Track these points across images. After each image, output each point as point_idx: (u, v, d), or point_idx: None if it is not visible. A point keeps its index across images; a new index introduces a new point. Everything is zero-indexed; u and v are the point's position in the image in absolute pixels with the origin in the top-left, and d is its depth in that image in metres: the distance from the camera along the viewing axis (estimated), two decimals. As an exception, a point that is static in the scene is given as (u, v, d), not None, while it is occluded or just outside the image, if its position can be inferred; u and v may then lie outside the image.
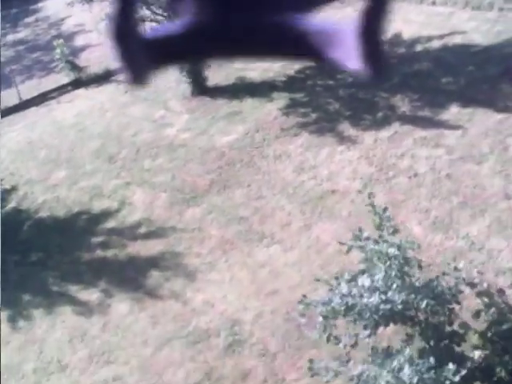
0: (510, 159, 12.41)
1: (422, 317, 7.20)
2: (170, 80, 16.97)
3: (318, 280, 7.58)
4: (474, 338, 6.92)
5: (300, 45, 1.14)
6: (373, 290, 6.94)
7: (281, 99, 15.68)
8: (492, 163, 12.42)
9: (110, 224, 13.67)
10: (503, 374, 6.84)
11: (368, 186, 12.77)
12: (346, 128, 14.28)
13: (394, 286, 6.81)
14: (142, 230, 13.35)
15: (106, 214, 13.94)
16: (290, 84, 16.15)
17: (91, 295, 12.30)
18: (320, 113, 14.95)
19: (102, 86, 18.52)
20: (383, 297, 6.88)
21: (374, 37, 1.08)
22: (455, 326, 7.24)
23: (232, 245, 12.43)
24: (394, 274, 6.88)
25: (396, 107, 14.47)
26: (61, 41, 18.76)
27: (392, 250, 6.90)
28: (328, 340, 7.12)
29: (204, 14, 1.11)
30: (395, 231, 7.14)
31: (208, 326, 11.14)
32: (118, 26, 1.09)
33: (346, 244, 7.29)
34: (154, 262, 12.58)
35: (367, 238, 7.18)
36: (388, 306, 6.82)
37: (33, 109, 18.50)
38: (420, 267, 7.15)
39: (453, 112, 13.88)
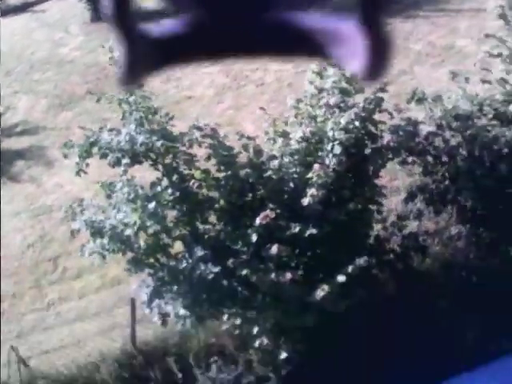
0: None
1: (166, 161, 8.40)
2: (77, 7, 18.26)
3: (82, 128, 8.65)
4: (196, 174, 8.14)
5: (302, 42, 1.10)
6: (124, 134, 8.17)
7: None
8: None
9: (-8, 124, 14.97)
10: (222, 203, 8.07)
11: (220, 92, 14.07)
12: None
13: (132, 126, 8.05)
14: (18, 129, 14.66)
15: (-9, 117, 15.23)
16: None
17: (-38, 180, 13.63)
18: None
19: (18, 16, 19.78)
20: (127, 137, 8.14)
21: (375, 34, 1.03)
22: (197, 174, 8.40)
23: (92, 140, 13.72)
24: (135, 119, 8.11)
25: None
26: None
27: (132, 98, 8.14)
28: (78, 174, 8.29)
29: (204, 13, 1.06)
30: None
31: (53, 202, 12.46)
32: (118, 23, 1.00)
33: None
34: (21, 154, 13.89)
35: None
36: (129, 145, 8.04)
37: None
38: (156, 113, 8.34)
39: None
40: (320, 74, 7.96)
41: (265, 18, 1.04)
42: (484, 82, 7.73)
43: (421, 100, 7.79)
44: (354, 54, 1.03)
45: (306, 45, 1.07)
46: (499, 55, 7.76)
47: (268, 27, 1.05)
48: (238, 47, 1.06)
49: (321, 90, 7.94)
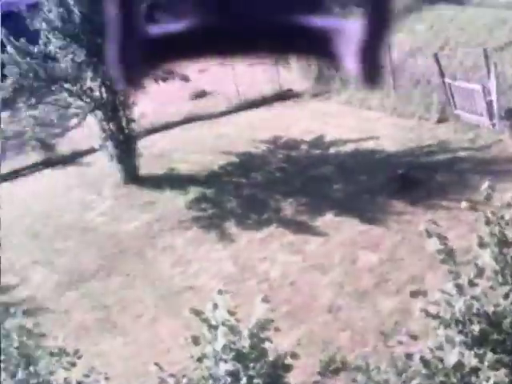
0: (352, 272, 12.66)
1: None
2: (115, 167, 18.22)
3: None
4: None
5: (301, 42, 1.14)
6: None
7: (193, 193, 16.52)
8: (335, 274, 12.72)
9: (1, 299, 14.83)
10: None
11: (222, 286, 13.33)
12: (231, 226, 14.93)
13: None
14: (24, 307, 14.41)
15: (4, 289, 15.13)
16: (209, 178, 16.98)
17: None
18: (216, 209, 15.67)
19: (65, 167, 19.94)
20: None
21: (373, 44, 1.08)
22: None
23: (87, 332, 13.24)
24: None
25: (281, 210, 15.01)
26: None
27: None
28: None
29: (205, 14, 1.11)
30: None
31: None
32: (120, 24, 1.04)
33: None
34: (18, 340, 13.57)
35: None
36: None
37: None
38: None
39: (326, 219, 14.27)
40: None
41: (267, 18, 1.10)
42: None
43: None
44: (353, 52, 1.08)
45: (305, 43, 1.13)
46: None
47: (269, 26, 1.10)
48: (238, 47, 1.12)
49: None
